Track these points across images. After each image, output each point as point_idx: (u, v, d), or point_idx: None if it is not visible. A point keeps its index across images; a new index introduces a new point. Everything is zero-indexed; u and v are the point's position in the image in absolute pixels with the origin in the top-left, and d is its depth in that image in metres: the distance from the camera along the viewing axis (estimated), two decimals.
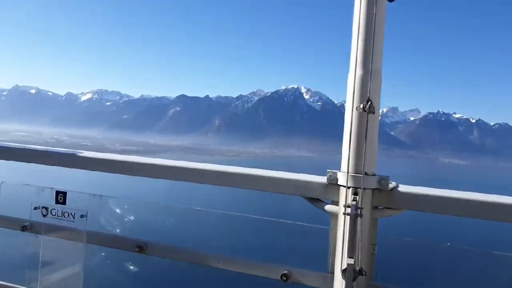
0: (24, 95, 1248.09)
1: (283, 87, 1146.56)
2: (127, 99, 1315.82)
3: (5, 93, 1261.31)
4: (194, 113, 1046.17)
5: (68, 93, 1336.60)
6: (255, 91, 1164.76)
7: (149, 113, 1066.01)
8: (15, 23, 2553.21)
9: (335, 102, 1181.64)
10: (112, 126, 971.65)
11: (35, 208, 3.22)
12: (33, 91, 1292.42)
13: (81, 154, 3.46)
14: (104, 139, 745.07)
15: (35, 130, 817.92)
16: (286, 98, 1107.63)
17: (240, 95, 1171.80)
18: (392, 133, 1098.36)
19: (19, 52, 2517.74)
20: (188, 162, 3.24)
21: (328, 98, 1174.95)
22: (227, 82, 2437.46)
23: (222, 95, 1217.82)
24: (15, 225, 3.28)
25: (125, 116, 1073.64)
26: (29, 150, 3.52)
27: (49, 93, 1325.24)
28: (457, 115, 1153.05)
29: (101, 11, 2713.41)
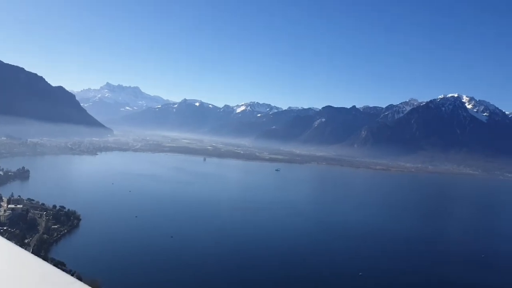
0: (190, 108, 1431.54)
1: (441, 96, 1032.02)
2: (276, 110, 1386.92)
3: (175, 106, 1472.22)
4: (340, 124, 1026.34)
5: (225, 105, 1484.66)
6: (407, 100, 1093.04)
7: (295, 124, 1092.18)
8: (178, 44, 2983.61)
9: (506, 112, 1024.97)
10: (262, 136, 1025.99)
11: None
12: (197, 104, 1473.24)
13: None
14: (254, 147, 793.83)
15: (198, 138, 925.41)
16: (443, 108, 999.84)
17: (390, 105, 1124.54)
18: None
19: (188, 69, 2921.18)
20: None
21: (497, 108, 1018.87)
22: (376, 91, 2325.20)
23: (370, 105, 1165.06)
24: None
25: (274, 127, 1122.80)
26: None
27: (210, 105, 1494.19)
28: None
29: (253, 31, 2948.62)
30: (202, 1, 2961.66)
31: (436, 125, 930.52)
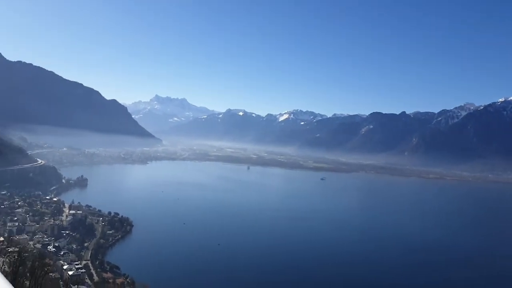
0: (234, 117, 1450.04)
1: (501, 99, 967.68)
2: (320, 118, 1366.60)
3: (220, 116, 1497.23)
4: (389, 131, 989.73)
5: (268, 114, 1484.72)
6: (462, 105, 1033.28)
7: (340, 131, 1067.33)
8: (223, 57, 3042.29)
9: None
10: (305, 144, 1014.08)
11: None
12: (241, 113, 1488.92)
13: None
14: (298, 156, 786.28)
15: (241, 147, 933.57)
16: (505, 112, 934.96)
17: (443, 110, 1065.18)
18: None
19: (232, 80, 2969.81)
20: None
21: None
22: (427, 96, 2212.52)
23: (421, 111, 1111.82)
24: None
25: (318, 135, 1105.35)
26: None
27: (253, 114, 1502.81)
28: None
29: (296, 39, 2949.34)
30: (247, 14, 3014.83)
31: (497, 130, 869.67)
